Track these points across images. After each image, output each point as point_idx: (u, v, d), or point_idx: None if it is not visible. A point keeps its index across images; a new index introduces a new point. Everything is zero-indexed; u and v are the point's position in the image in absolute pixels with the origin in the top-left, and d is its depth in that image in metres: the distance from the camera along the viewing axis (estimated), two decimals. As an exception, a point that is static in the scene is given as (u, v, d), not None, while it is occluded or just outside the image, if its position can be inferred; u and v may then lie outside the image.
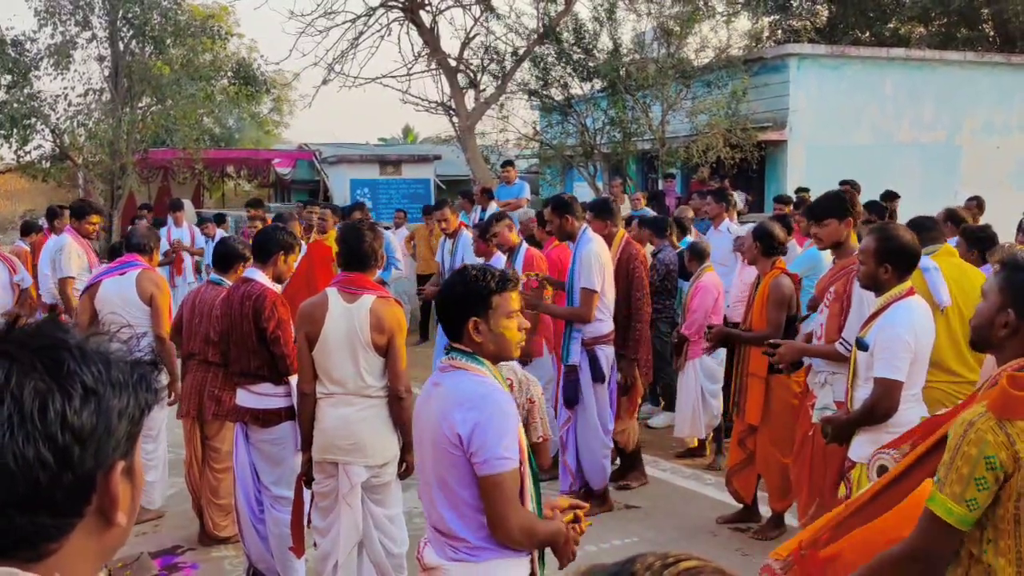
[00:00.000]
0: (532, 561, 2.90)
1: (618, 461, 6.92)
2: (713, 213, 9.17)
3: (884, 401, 3.99)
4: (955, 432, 2.40)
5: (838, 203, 5.03)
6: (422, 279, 12.28)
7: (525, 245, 7.18)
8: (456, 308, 2.84)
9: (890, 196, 10.83)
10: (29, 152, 19.60)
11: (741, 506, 6.11)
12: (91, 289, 6.23)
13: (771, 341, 5.31)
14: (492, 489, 2.68)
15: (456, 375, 2.82)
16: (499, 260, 7.19)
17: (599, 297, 6.10)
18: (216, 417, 5.63)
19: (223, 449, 5.70)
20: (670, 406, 8.51)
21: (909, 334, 3.95)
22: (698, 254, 7.45)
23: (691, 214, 9.79)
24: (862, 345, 4.15)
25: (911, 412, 4.09)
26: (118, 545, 1.19)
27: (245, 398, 4.94)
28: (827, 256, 5.78)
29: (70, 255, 8.23)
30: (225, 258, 5.69)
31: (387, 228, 11.54)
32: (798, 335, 5.56)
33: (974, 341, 2.72)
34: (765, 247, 5.80)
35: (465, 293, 2.83)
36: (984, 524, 2.39)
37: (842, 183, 10.23)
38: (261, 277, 4.95)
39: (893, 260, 4.00)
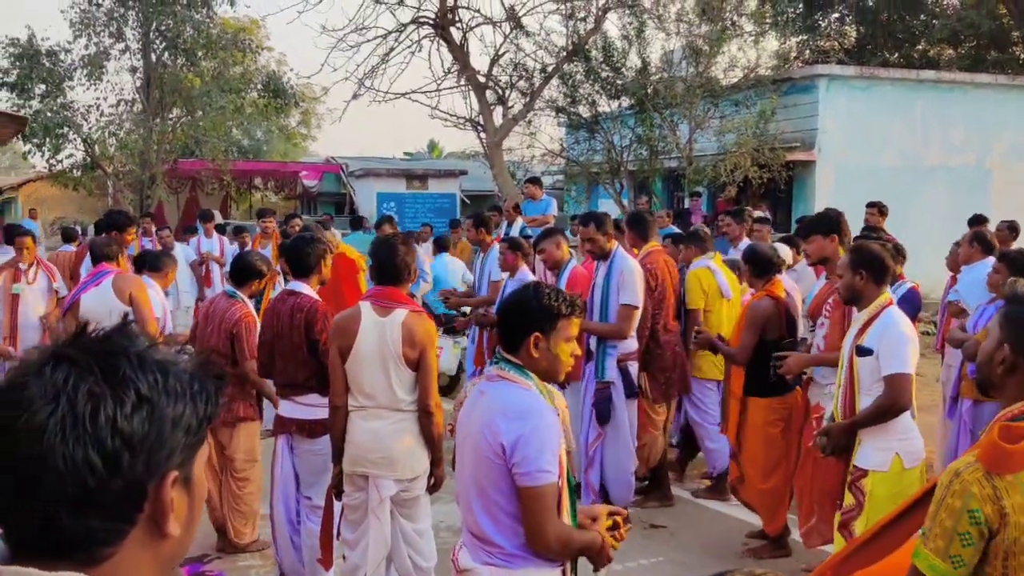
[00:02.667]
0: (564, 572, 2.92)
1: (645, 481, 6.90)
2: (733, 234, 9.14)
3: (899, 397, 4.16)
4: (942, 482, 2.26)
5: (824, 220, 5.56)
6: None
7: (573, 262, 7.13)
8: (523, 320, 2.88)
9: (979, 220, 10.40)
10: (61, 161, 19.88)
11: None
12: (72, 308, 6.27)
13: (777, 354, 5.40)
14: (531, 500, 2.72)
15: (502, 385, 2.86)
16: (525, 274, 7.19)
17: (638, 313, 6.11)
18: (225, 424, 5.66)
19: (238, 458, 5.72)
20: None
21: (910, 331, 4.27)
22: (737, 273, 7.30)
23: (707, 230, 9.72)
24: (864, 351, 4.29)
25: (909, 417, 4.24)
26: (176, 557, 1.19)
27: (291, 409, 4.96)
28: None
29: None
30: (241, 273, 5.77)
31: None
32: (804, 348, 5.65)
33: (979, 382, 2.60)
34: (755, 269, 5.82)
35: (537, 308, 2.87)
36: None
37: (869, 205, 10.15)
38: (306, 289, 5.00)
39: (866, 266, 4.36)
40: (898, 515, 2.77)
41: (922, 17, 22.80)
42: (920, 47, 22.72)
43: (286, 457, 5.06)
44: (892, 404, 4.18)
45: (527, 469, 2.70)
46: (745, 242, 8.86)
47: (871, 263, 4.38)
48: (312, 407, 4.89)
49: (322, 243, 5.20)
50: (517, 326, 2.89)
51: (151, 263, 7.15)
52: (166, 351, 1.17)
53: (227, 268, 12.18)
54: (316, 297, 5.02)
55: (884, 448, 4.23)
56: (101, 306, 6.11)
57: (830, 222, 5.49)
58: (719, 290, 7.06)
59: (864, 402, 4.31)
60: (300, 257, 5.05)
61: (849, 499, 4.35)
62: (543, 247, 7.03)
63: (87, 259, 8.92)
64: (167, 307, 7.11)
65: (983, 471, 2.19)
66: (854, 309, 4.83)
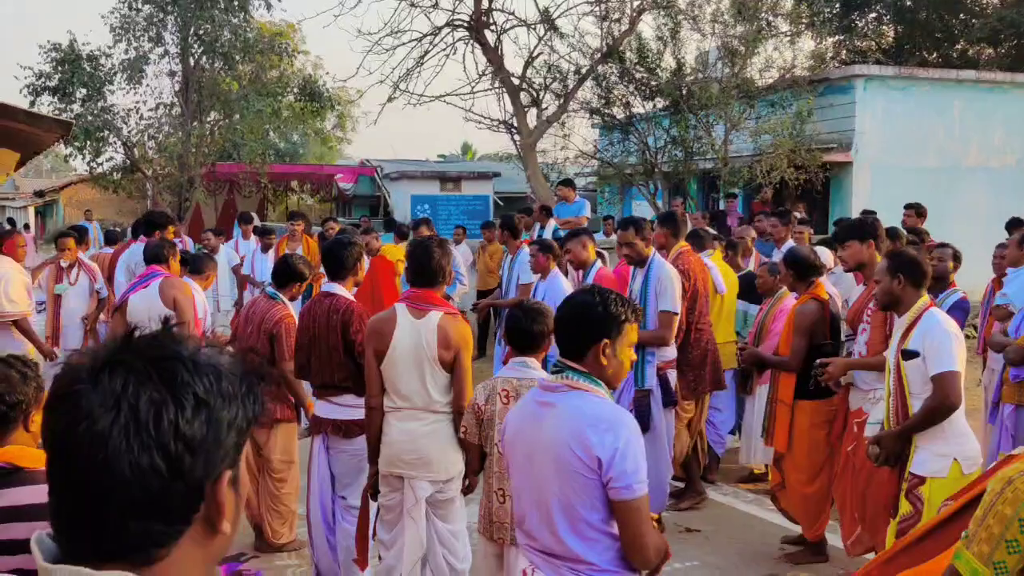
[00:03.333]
0: None
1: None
2: (778, 235, 9.09)
3: (947, 396, 4.13)
4: (992, 488, 2.24)
5: (859, 226, 5.56)
6: (481, 294, 12.34)
7: (599, 264, 7.14)
8: (590, 327, 2.82)
9: (1017, 223, 10.29)
10: (101, 164, 20.15)
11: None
12: (121, 307, 6.45)
13: (820, 361, 5.36)
14: (632, 513, 2.68)
15: (575, 395, 2.79)
16: (555, 276, 7.19)
17: (677, 319, 6.09)
18: (262, 425, 5.70)
19: (275, 459, 5.79)
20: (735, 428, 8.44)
21: (955, 329, 4.23)
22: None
23: (753, 234, 9.66)
24: (910, 354, 4.26)
25: (963, 420, 4.21)
26: (222, 553, 1.22)
27: (328, 410, 5.01)
28: None
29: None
30: (283, 275, 5.84)
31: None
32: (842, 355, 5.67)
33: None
34: (797, 272, 5.79)
35: (605, 315, 2.81)
36: None
37: (907, 207, 10.05)
38: (342, 291, 5.06)
39: (904, 271, 4.34)
40: (946, 519, 2.74)
41: (961, 16, 22.47)
42: (959, 46, 22.40)
43: (322, 457, 5.10)
44: (941, 404, 4.14)
45: (627, 482, 2.65)
46: (790, 243, 8.80)
47: (909, 267, 4.36)
48: (348, 407, 4.94)
49: (355, 245, 5.26)
50: (584, 334, 2.82)
51: (193, 265, 7.25)
52: (212, 353, 1.19)
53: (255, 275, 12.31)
54: (352, 298, 5.06)
55: (942, 454, 4.17)
56: (146, 308, 6.22)
57: (866, 228, 5.48)
58: (714, 285, 7.11)
59: (917, 406, 4.25)
60: (337, 259, 5.10)
61: (906, 507, 4.26)
62: (569, 247, 7.06)
63: (124, 259, 9.08)
64: (208, 309, 7.21)
65: None
66: (895, 314, 4.81)
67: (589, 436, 2.67)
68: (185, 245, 11.53)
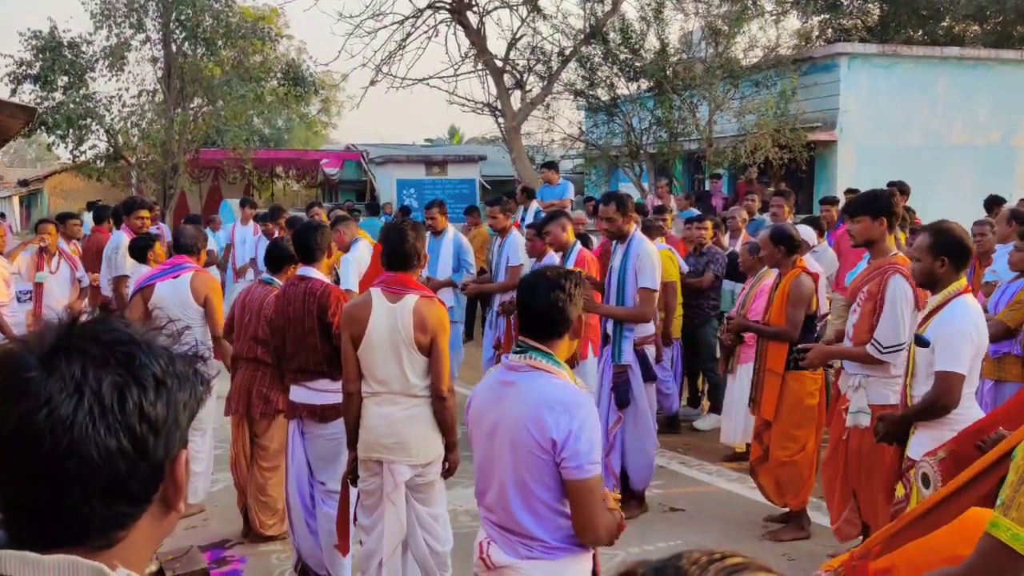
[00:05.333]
0: (594, 557, 2.95)
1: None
2: (782, 215, 9.07)
3: (945, 395, 4.00)
4: (1023, 452, 2.20)
5: (873, 200, 5.00)
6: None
7: (579, 245, 7.14)
8: (563, 309, 2.86)
9: (996, 201, 10.38)
10: (84, 152, 20.06)
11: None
12: (144, 291, 6.27)
13: (800, 347, 5.38)
14: (584, 493, 2.73)
15: (536, 376, 2.83)
16: (551, 259, 7.19)
17: (656, 296, 6.15)
18: (264, 416, 5.70)
19: (271, 447, 5.77)
20: (716, 408, 8.47)
21: (972, 329, 4.00)
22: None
23: (744, 215, 9.66)
24: (922, 341, 4.14)
25: (973, 410, 4.09)
26: (170, 531, 1.23)
27: (302, 394, 4.98)
28: None
29: (125, 254, 8.37)
30: (276, 259, 5.81)
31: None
32: (816, 333, 5.70)
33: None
34: (788, 248, 5.81)
35: (575, 295, 2.88)
36: None
37: (890, 184, 10.04)
38: (317, 274, 5.05)
39: (949, 253, 4.06)
40: (951, 492, 2.74)
41: (946, -7, 22.46)
42: (945, 24, 22.37)
43: (297, 442, 5.09)
44: (937, 400, 4.02)
45: (579, 463, 2.71)
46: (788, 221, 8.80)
47: (955, 250, 4.07)
48: (323, 392, 4.92)
49: (327, 227, 5.28)
50: (558, 315, 2.85)
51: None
52: (157, 336, 1.19)
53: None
54: (327, 281, 5.05)
55: (936, 439, 4.01)
56: (174, 298, 6.15)
57: (881, 203, 4.97)
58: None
59: (917, 392, 4.18)
60: (308, 243, 5.10)
61: (901, 490, 4.24)
62: (548, 229, 7.08)
63: (106, 251, 9.00)
64: None
65: None
66: (886, 303, 4.78)
67: (546, 417, 2.72)
68: (162, 232, 11.39)
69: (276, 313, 5.07)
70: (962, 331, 3.99)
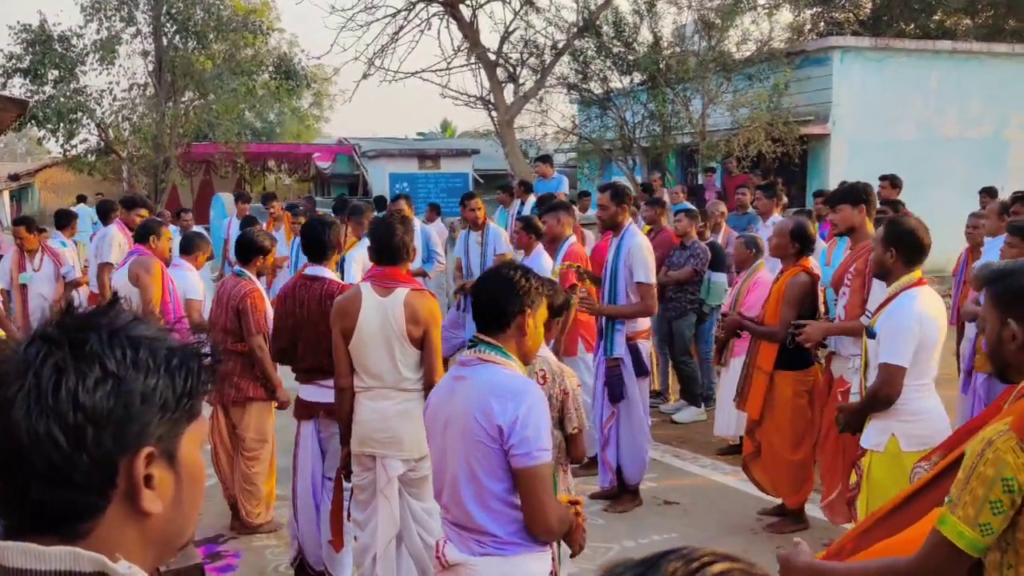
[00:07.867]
0: (553, 556, 2.93)
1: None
2: (764, 208, 9.08)
3: (887, 387, 4.05)
4: (972, 450, 2.25)
5: (851, 190, 5.52)
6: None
7: (572, 239, 7.12)
8: (511, 301, 2.88)
9: (989, 193, 10.44)
10: (75, 146, 19.98)
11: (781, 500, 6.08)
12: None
13: (796, 323, 5.42)
14: (533, 481, 2.71)
15: (485, 368, 2.84)
16: (539, 254, 7.16)
17: (654, 289, 6.16)
18: (235, 404, 5.69)
19: (248, 436, 5.77)
20: (693, 400, 8.52)
21: (914, 321, 4.04)
22: (756, 248, 7.15)
23: (722, 208, 9.68)
24: (871, 333, 4.21)
25: (925, 401, 4.14)
26: (170, 536, 1.18)
27: (317, 394, 4.86)
28: None
29: (111, 243, 8.48)
30: (245, 250, 5.78)
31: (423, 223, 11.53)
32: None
33: (997, 371, 2.52)
34: (803, 246, 5.77)
35: (526, 287, 2.89)
36: (1004, 548, 2.24)
37: (882, 178, 10.08)
38: (329, 274, 4.96)
39: (898, 244, 4.14)
40: (920, 487, 2.74)
41: (938, -14, 22.46)
42: (937, 17, 22.38)
43: (313, 442, 4.98)
44: (877, 391, 4.08)
45: (527, 449, 2.68)
46: (776, 217, 8.80)
47: (905, 241, 4.14)
48: None
49: (336, 224, 5.21)
50: (508, 306, 2.87)
51: (181, 245, 7.13)
52: (151, 327, 1.15)
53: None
54: (341, 282, 4.99)
55: (882, 429, 4.11)
56: (122, 286, 6.25)
57: (859, 193, 5.47)
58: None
59: (871, 382, 4.22)
60: (318, 241, 4.97)
61: (854, 477, 4.33)
62: (545, 220, 7.08)
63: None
64: (204, 290, 7.01)
65: (1016, 440, 2.18)
66: (874, 280, 4.80)
67: (492, 404, 2.72)
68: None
69: (283, 314, 4.91)
70: (902, 324, 4.03)
